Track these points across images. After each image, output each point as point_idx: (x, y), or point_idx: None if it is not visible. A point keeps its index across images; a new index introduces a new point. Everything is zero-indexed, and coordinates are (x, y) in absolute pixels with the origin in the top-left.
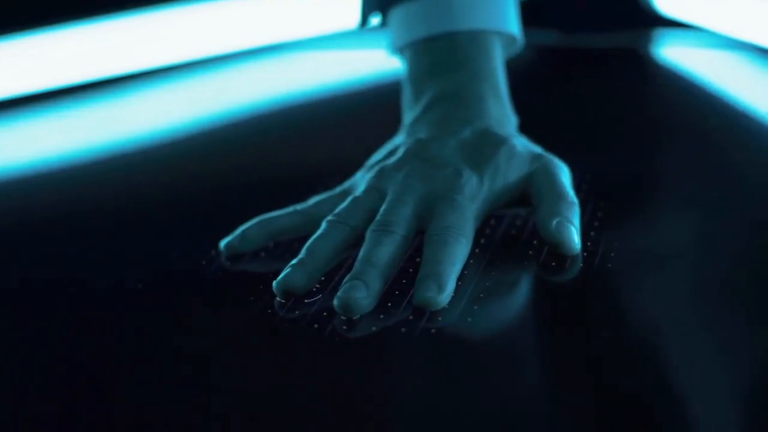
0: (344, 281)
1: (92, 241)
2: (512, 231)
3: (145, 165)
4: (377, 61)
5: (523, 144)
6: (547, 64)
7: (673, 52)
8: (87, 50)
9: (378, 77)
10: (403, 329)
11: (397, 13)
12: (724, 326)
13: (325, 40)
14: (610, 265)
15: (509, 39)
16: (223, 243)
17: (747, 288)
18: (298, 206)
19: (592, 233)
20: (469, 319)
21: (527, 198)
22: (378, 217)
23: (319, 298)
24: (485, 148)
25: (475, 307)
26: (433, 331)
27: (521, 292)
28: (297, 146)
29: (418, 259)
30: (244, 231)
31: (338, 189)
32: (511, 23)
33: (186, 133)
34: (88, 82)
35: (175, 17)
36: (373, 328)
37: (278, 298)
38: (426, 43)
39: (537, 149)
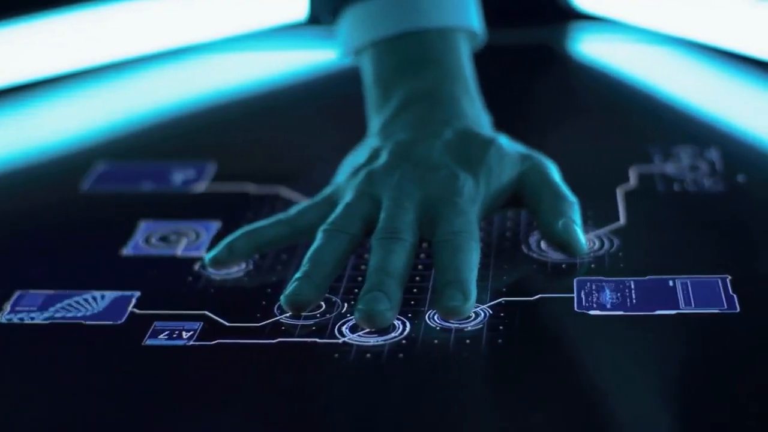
0: (362, 293)
1: (44, 259)
2: (506, 233)
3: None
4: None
5: (508, 143)
6: None
7: (588, 46)
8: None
9: (297, 76)
10: (435, 341)
11: (354, 12)
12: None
13: (258, 37)
14: (622, 265)
15: (472, 35)
16: (208, 256)
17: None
18: (282, 216)
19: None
20: (501, 327)
21: (519, 199)
22: (381, 224)
23: (334, 312)
24: (473, 148)
25: (502, 314)
26: (468, 341)
27: (540, 298)
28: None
29: (419, 266)
30: (230, 243)
31: (320, 196)
32: (475, 19)
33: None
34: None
35: (106, 15)
36: (404, 341)
37: (288, 313)
38: (391, 42)
39: (522, 148)
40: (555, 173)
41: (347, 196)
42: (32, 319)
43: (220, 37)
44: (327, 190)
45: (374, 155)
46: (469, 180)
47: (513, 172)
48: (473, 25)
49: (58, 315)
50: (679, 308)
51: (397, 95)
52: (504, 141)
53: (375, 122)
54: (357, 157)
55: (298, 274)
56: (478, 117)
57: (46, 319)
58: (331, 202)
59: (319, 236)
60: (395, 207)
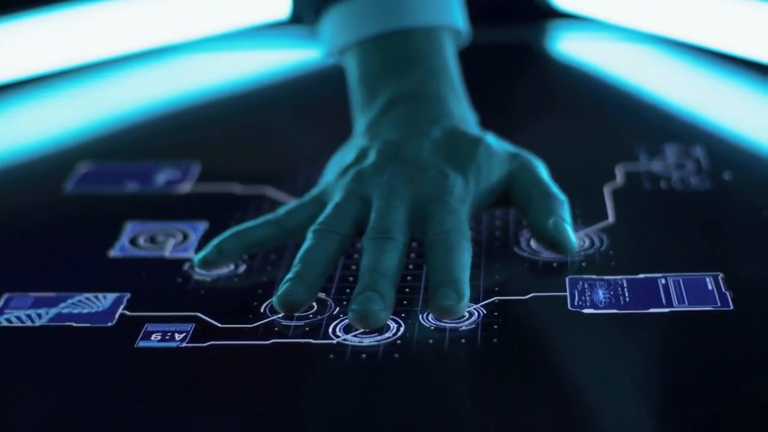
0: (356, 293)
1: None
2: (496, 232)
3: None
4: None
5: (496, 142)
6: None
7: (567, 45)
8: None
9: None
10: (430, 341)
11: (338, 12)
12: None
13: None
14: (613, 263)
15: (456, 33)
16: (197, 258)
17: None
18: (270, 216)
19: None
20: (495, 327)
21: (508, 198)
22: (373, 224)
23: (326, 313)
24: (461, 147)
25: (496, 313)
26: (463, 341)
27: (532, 297)
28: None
29: (410, 266)
30: (218, 244)
31: (308, 196)
32: (460, 18)
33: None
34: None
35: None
36: (399, 342)
37: (280, 314)
38: (376, 41)
39: (509, 146)
40: (544, 172)
41: (336, 196)
42: (21, 321)
43: (202, 36)
44: (315, 190)
45: (362, 155)
46: (458, 179)
47: (502, 171)
48: (458, 24)
49: (48, 317)
50: (672, 306)
51: (383, 94)
52: (492, 140)
53: (361, 122)
54: (344, 156)
55: (289, 275)
56: (465, 116)
57: (35, 321)
58: (320, 202)
59: (310, 236)
60: (386, 206)
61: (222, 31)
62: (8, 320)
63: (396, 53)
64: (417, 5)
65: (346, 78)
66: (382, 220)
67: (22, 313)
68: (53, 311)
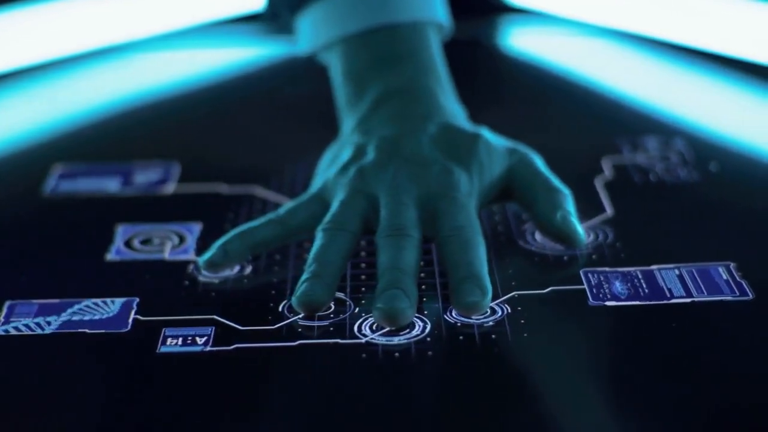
0: (379, 291)
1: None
2: (498, 227)
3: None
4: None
5: (492, 137)
6: None
7: (518, 40)
8: None
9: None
10: (460, 337)
11: (319, 8)
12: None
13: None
14: (623, 255)
15: (440, 27)
16: (202, 259)
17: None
18: (272, 215)
19: None
20: (522, 321)
21: (509, 193)
22: (385, 222)
23: (347, 312)
24: (460, 143)
25: (519, 308)
26: (493, 336)
27: (552, 291)
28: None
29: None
30: (224, 246)
31: (308, 195)
32: (443, 11)
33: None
34: None
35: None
36: (428, 339)
37: (299, 315)
38: (362, 37)
39: (505, 141)
40: (542, 165)
41: (340, 194)
42: (29, 329)
43: (175, 29)
44: (314, 188)
45: (360, 151)
46: (463, 174)
47: (502, 166)
48: (442, 18)
49: (59, 324)
50: (692, 296)
51: (372, 91)
52: (488, 134)
53: (349, 119)
54: (339, 153)
55: (306, 275)
56: (455, 111)
57: (45, 329)
58: (321, 200)
59: (320, 235)
60: (396, 204)
61: (196, 23)
62: (17, 328)
63: (383, 49)
64: (403, 1)
65: (330, 75)
66: (394, 218)
67: (30, 321)
68: (63, 318)
